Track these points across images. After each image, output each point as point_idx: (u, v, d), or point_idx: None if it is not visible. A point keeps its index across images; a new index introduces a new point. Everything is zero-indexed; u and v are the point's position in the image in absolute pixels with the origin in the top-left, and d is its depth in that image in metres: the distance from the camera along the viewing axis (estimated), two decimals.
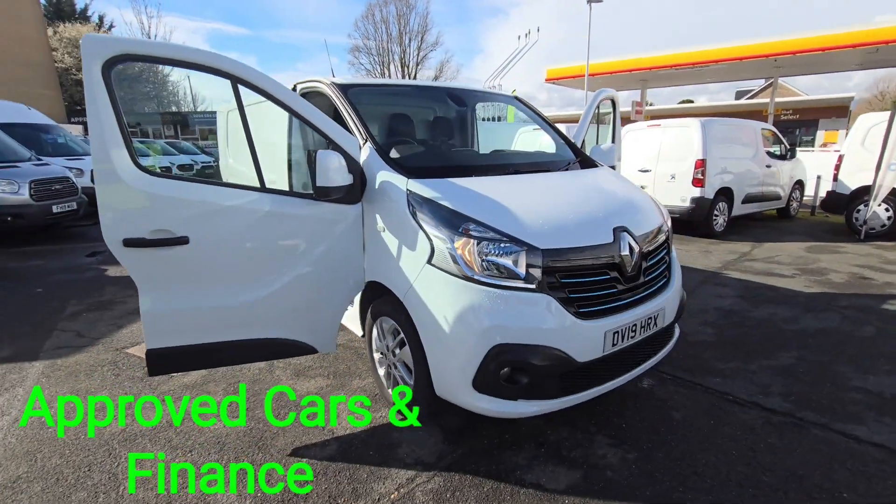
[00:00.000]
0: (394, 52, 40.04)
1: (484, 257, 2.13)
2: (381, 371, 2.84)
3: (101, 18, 33.64)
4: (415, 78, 41.51)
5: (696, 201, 7.18)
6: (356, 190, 2.55)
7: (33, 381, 3.17)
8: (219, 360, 2.60)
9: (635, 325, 2.37)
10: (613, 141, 4.58)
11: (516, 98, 3.92)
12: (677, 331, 2.96)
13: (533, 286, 2.12)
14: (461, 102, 3.47)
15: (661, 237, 2.65)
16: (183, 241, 2.29)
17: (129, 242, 2.20)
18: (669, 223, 2.87)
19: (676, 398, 2.84)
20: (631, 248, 2.35)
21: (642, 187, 7.86)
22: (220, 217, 2.36)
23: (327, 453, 2.40)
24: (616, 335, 2.29)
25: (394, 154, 2.70)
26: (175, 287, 2.37)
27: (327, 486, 2.17)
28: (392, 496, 2.10)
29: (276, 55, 66.66)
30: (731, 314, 4.21)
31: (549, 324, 2.12)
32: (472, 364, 2.13)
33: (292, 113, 2.42)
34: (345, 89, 2.94)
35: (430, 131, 3.45)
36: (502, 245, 2.14)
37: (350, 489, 2.14)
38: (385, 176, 2.49)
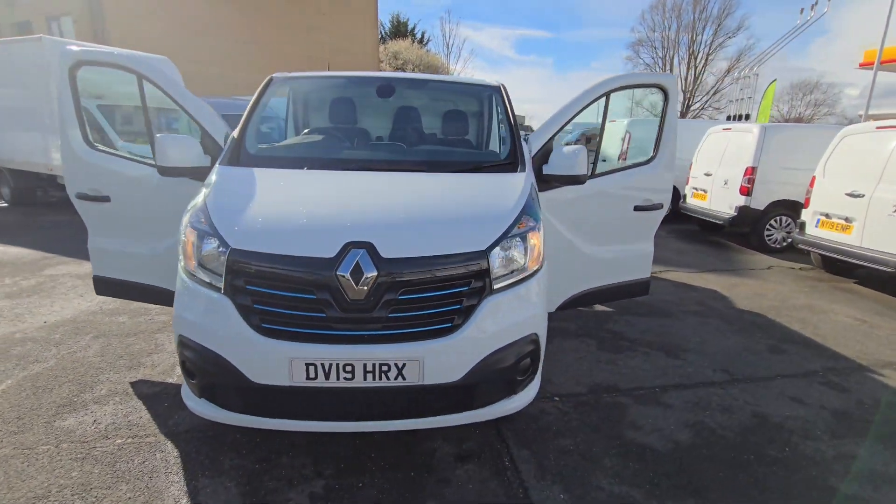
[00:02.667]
0: (680, 43, 35.84)
1: (197, 248, 2.10)
2: None
3: (422, 35, 41.13)
4: (703, 69, 36.35)
5: None
6: None
7: None
8: (142, 298, 3.31)
9: (351, 365, 1.90)
10: (658, 144, 3.30)
11: (501, 89, 3.31)
12: (513, 404, 2.16)
13: (219, 285, 1.99)
14: (390, 92, 3.19)
15: (451, 269, 1.96)
16: (107, 199, 3.04)
17: (80, 196, 3.06)
18: (506, 254, 2.04)
19: (462, 492, 2.07)
20: (359, 271, 1.88)
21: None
22: (128, 184, 3.02)
23: (141, 391, 2.81)
24: (313, 368, 1.90)
25: (257, 143, 2.81)
26: (108, 233, 3.16)
27: (104, 416, 2.58)
28: (118, 442, 2.36)
29: (572, 55, 67.54)
30: (765, 429, 2.56)
31: (219, 328, 1.97)
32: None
33: (173, 101, 2.87)
34: (269, 81, 3.19)
35: (359, 122, 3.33)
36: (207, 239, 2.07)
37: (110, 423, 2.50)
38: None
